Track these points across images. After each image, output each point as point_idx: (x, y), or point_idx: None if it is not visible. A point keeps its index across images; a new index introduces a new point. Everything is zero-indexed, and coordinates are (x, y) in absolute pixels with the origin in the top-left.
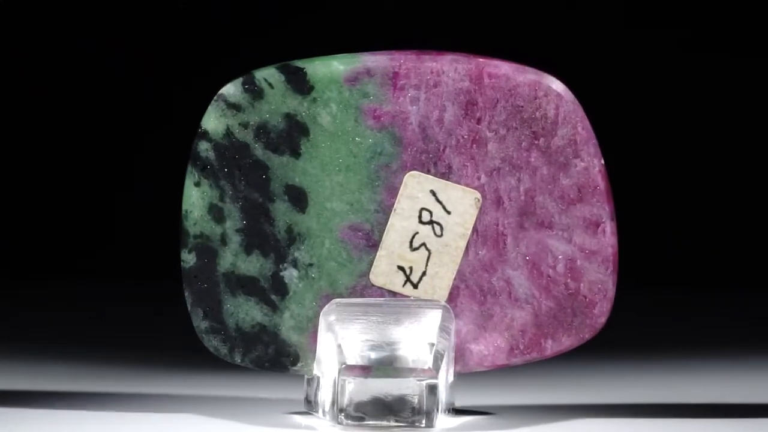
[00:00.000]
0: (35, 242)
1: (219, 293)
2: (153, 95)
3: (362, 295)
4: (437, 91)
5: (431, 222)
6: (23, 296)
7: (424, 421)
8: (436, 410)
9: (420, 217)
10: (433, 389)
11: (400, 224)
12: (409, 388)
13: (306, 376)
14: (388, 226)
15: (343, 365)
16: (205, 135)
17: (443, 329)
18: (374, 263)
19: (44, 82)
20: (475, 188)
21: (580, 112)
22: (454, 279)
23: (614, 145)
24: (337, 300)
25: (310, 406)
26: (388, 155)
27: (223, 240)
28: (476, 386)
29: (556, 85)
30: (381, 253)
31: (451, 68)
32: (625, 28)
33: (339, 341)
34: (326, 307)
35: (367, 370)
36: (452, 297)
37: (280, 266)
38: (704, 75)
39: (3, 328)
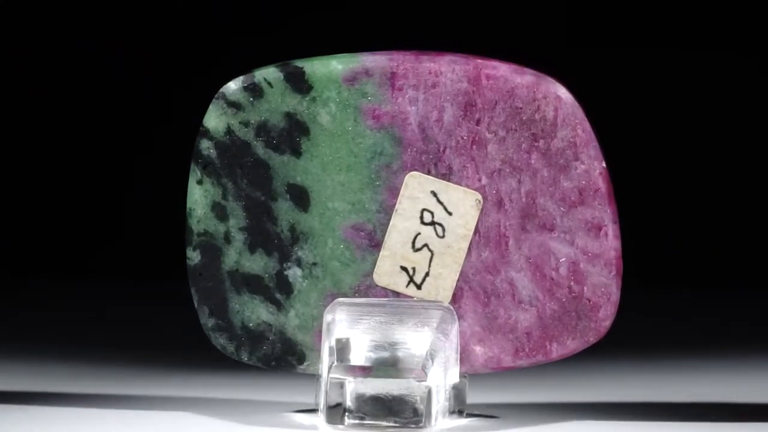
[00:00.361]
0: (35, 242)
1: (224, 291)
2: (153, 95)
3: (366, 295)
4: (436, 92)
5: (433, 223)
6: (23, 296)
7: (414, 422)
8: (431, 411)
9: (422, 217)
10: (423, 390)
11: (402, 225)
12: (400, 388)
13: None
14: (390, 226)
15: (332, 365)
16: (207, 133)
17: (441, 330)
18: (377, 263)
19: (44, 82)
20: (476, 189)
21: (580, 114)
22: (458, 280)
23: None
24: (340, 300)
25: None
26: (388, 155)
27: (227, 238)
28: (478, 386)
29: (555, 87)
30: (384, 253)
31: (449, 69)
32: (629, 29)
33: (332, 342)
34: (329, 306)
35: (357, 370)
36: (456, 298)
37: (284, 265)
38: (705, 75)
39: (3, 328)
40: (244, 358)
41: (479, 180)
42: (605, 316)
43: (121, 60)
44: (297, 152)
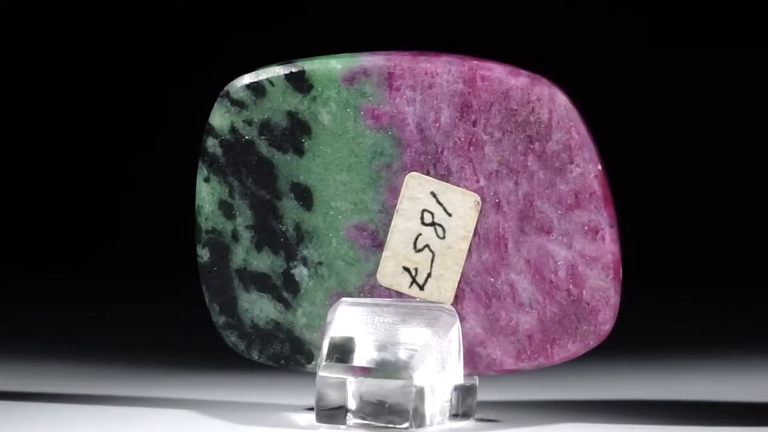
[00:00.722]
0: (36, 242)
1: (233, 289)
2: (153, 95)
3: (370, 295)
4: (432, 93)
5: (433, 224)
6: (23, 296)
7: (400, 423)
8: (421, 412)
9: (422, 218)
10: (410, 390)
11: (404, 225)
12: (387, 389)
13: None
14: (391, 226)
15: (322, 364)
16: (212, 131)
17: (437, 331)
18: (380, 264)
19: (44, 82)
20: (474, 191)
21: (575, 117)
22: (459, 282)
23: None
24: (344, 299)
25: None
26: (388, 155)
27: (235, 236)
28: (479, 386)
29: (549, 89)
30: (386, 253)
31: (444, 70)
32: (628, 29)
33: (325, 341)
34: (332, 306)
35: (347, 370)
36: (458, 299)
37: (290, 264)
38: (706, 76)
39: (3, 328)
40: (255, 356)
41: (477, 181)
42: (604, 319)
43: (121, 60)
44: (300, 151)
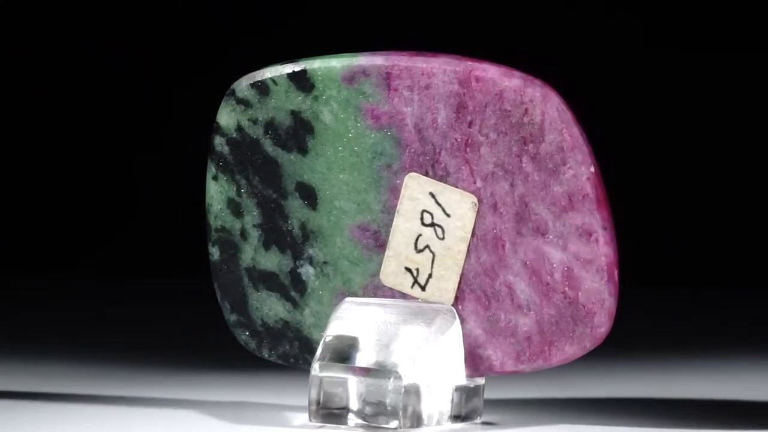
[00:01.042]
0: (36, 242)
1: (243, 287)
2: (153, 95)
3: (374, 295)
4: (429, 93)
5: (433, 224)
6: (23, 296)
7: (390, 422)
8: (410, 412)
9: (422, 219)
10: (400, 390)
11: (404, 225)
12: (374, 388)
13: None
14: (393, 227)
15: (316, 363)
16: (219, 129)
17: (433, 332)
18: (383, 264)
19: (44, 82)
20: (472, 192)
21: (567, 118)
22: (459, 282)
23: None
24: (348, 299)
25: None
26: (388, 156)
27: (243, 234)
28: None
29: (542, 91)
30: (389, 253)
31: (440, 70)
32: (629, 28)
33: (323, 340)
34: (336, 306)
35: (337, 369)
36: (458, 301)
37: (297, 263)
38: (706, 75)
39: (3, 328)
40: (265, 354)
41: (474, 182)
42: (600, 322)
43: (121, 60)
44: (303, 150)
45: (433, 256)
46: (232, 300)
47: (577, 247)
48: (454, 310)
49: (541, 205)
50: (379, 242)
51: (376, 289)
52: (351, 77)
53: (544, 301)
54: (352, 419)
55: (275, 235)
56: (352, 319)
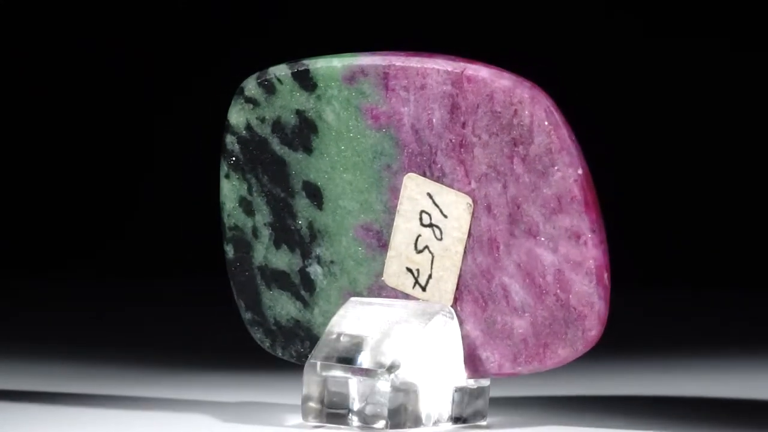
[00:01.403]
0: (36, 242)
1: (257, 286)
2: (153, 95)
3: (379, 295)
4: (424, 94)
5: (431, 225)
6: (23, 296)
7: (377, 422)
8: (410, 412)
9: (421, 219)
10: (387, 389)
11: (405, 225)
12: (366, 387)
13: None
14: (394, 227)
15: (311, 362)
16: (230, 128)
17: (429, 332)
18: (386, 264)
19: (44, 82)
20: (466, 193)
21: (554, 120)
22: (457, 283)
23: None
24: (352, 299)
25: None
26: (388, 156)
27: (255, 233)
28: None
29: (530, 92)
30: (391, 253)
31: (434, 71)
32: (628, 28)
33: (321, 339)
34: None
35: (330, 368)
36: (457, 302)
37: (306, 262)
38: (705, 75)
39: (3, 328)
40: (279, 353)
41: (469, 183)
42: (591, 326)
43: (121, 60)
44: (308, 150)
45: (432, 256)
46: (246, 298)
47: (566, 249)
48: (453, 311)
49: (532, 207)
50: (381, 242)
51: (380, 290)
52: (351, 77)
53: (538, 304)
54: (352, 419)
55: (285, 234)
56: (350, 317)
